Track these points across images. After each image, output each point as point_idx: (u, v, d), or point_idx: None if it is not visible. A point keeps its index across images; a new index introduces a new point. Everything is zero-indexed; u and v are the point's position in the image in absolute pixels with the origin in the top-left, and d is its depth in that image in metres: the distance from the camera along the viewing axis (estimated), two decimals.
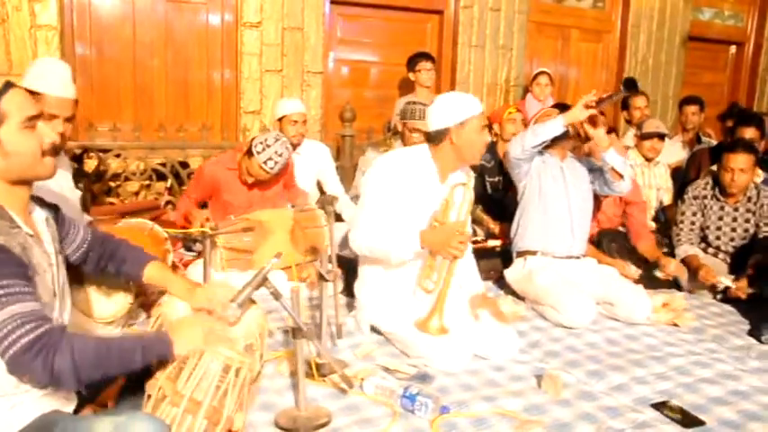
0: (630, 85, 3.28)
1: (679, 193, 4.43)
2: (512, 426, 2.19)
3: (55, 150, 1.68)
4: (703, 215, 3.96)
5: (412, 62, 5.15)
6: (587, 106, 3.18)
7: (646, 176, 4.63)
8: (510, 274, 3.57)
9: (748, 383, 2.63)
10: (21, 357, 1.43)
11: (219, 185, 3.57)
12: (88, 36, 4.62)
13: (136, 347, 1.60)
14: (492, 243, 4.05)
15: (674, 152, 5.35)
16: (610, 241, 3.84)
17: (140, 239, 2.64)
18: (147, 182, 4.53)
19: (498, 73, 6.16)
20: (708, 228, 3.96)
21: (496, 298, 3.29)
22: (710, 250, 3.97)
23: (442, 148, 2.81)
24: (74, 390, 1.58)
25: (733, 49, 8.02)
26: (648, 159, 4.61)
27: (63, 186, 2.82)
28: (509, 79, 6.21)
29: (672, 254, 3.98)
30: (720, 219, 3.92)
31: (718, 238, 3.95)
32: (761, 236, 3.81)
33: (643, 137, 4.58)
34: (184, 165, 4.63)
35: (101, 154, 4.38)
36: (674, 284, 3.89)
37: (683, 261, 3.87)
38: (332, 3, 5.40)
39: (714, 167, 4.08)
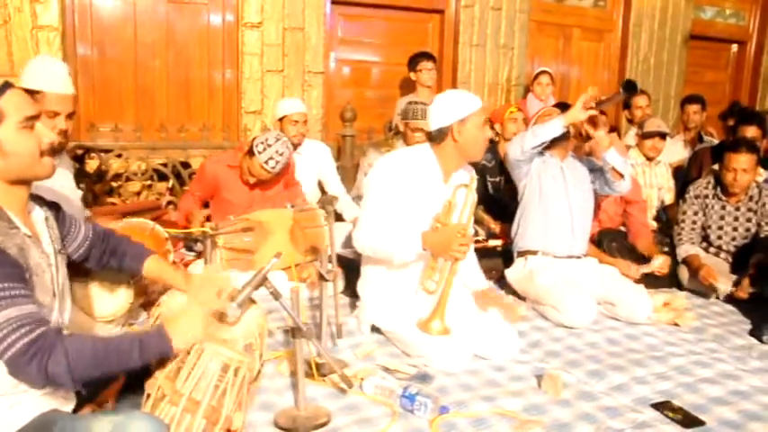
0: (630, 88, 3.27)
1: (680, 192, 4.42)
2: (511, 426, 2.19)
3: (54, 150, 1.69)
4: (705, 214, 3.95)
5: (413, 62, 5.15)
6: (587, 107, 3.18)
7: (647, 176, 4.62)
8: (511, 273, 3.57)
9: (749, 383, 2.62)
10: (17, 361, 1.45)
11: (220, 184, 3.57)
12: (90, 37, 4.63)
13: (133, 344, 1.60)
14: (493, 243, 4.04)
15: (676, 151, 5.35)
16: (610, 241, 3.84)
17: (141, 239, 2.63)
18: (149, 182, 4.54)
19: (499, 72, 6.15)
20: (709, 227, 3.95)
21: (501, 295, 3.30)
22: (712, 250, 3.97)
23: (444, 146, 2.81)
24: (72, 389, 1.58)
25: (735, 47, 8.00)
26: (650, 159, 4.60)
27: (64, 186, 2.82)
28: (510, 79, 6.20)
29: (673, 253, 3.98)
30: (722, 218, 3.91)
31: (719, 237, 3.94)
32: (762, 235, 3.80)
33: (644, 136, 4.57)
34: (186, 165, 4.64)
35: (102, 154, 4.38)
36: (675, 284, 3.88)
37: (684, 261, 3.86)
38: (333, 3, 5.40)
39: (716, 167, 4.08)
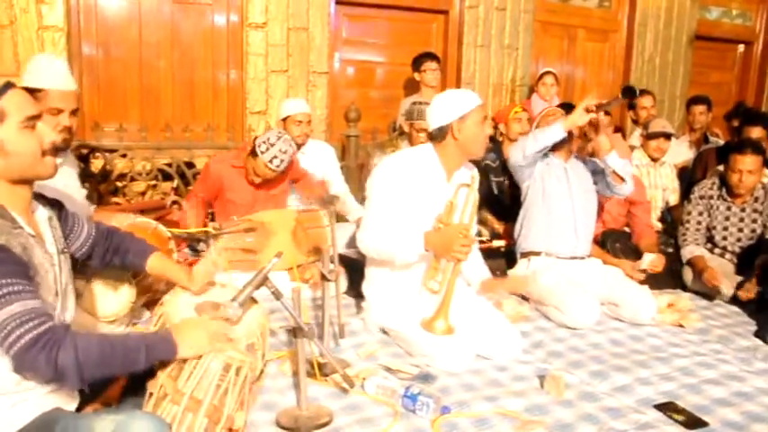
0: (629, 93, 3.26)
1: (685, 193, 4.41)
2: (513, 426, 2.18)
3: (58, 148, 1.69)
4: (710, 215, 3.94)
5: (417, 62, 5.15)
6: (588, 110, 3.17)
7: (652, 176, 4.61)
8: (514, 274, 3.56)
9: (753, 385, 2.61)
10: (24, 354, 1.44)
11: (224, 184, 3.58)
12: (95, 37, 4.65)
13: (140, 347, 1.61)
14: (497, 243, 4.04)
15: (681, 152, 5.33)
16: (614, 241, 3.83)
17: (144, 238, 2.66)
18: (154, 182, 4.55)
19: (504, 73, 6.15)
20: (714, 228, 3.94)
21: (500, 298, 3.29)
22: (717, 251, 3.95)
23: (445, 145, 2.82)
24: (78, 386, 1.58)
25: (741, 47, 7.97)
26: (654, 159, 4.59)
27: (69, 185, 2.83)
28: (515, 79, 6.20)
29: (677, 254, 3.97)
30: (727, 219, 3.90)
31: (724, 238, 3.92)
32: None
33: (649, 137, 4.56)
34: (190, 165, 4.65)
35: (107, 154, 4.40)
36: (680, 285, 3.87)
37: (689, 262, 3.85)
38: (337, 3, 5.41)
39: (721, 168, 4.06)
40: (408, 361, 2.64)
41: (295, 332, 2.12)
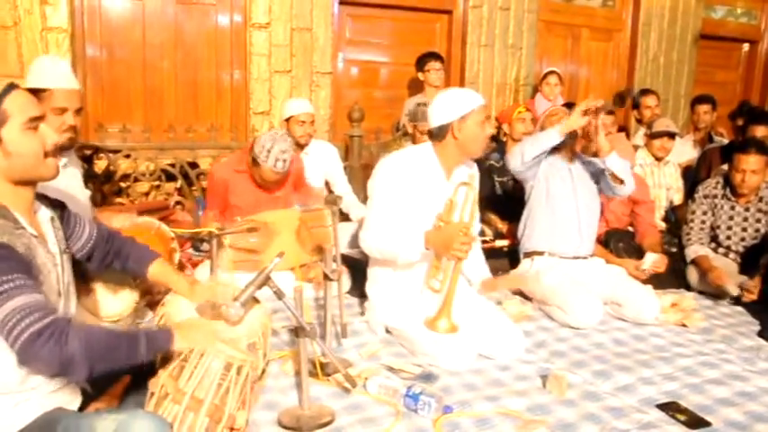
0: (619, 101, 3.25)
1: (689, 192, 4.40)
2: (515, 426, 2.18)
3: (62, 148, 1.70)
4: (714, 215, 3.92)
5: (421, 62, 5.15)
6: (585, 113, 3.17)
7: (656, 176, 4.60)
8: (515, 272, 3.56)
9: (756, 384, 2.60)
10: (32, 345, 1.44)
11: (228, 188, 3.57)
12: (98, 38, 4.66)
13: (140, 337, 1.63)
14: (500, 243, 4.04)
15: (685, 151, 5.32)
16: (617, 241, 3.82)
17: (147, 238, 2.66)
18: (157, 182, 4.56)
19: (508, 72, 6.14)
20: (718, 227, 3.92)
21: (503, 298, 3.30)
22: (721, 250, 3.94)
23: (445, 144, 2.82)
24: (85, 376, 1.56)
25: (746, 46, 7.93)
26: (658, 159, 4.58)
27: (72, 186, 2.84)
28: (518, 79, 6.19)
29: (682, 254, 3.96)
30: (731, 218, 3.89)
31: (728, 237, 3.91)
32: None
33: (653, 136, 4.55)
34: (194, 165, 4.66)
35: (111, 155, 4.41)
36: (684, 285, 3.86)
37: (694, 261, 3.84)
38: (341, 3, 5.40)
39: (725, 167, 4.05)
40: (411, 360, 2.64)
41: (297, 332, 2.12)
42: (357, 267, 3.43)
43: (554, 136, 3.21)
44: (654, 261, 3.59)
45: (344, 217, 4.04)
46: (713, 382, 2.59)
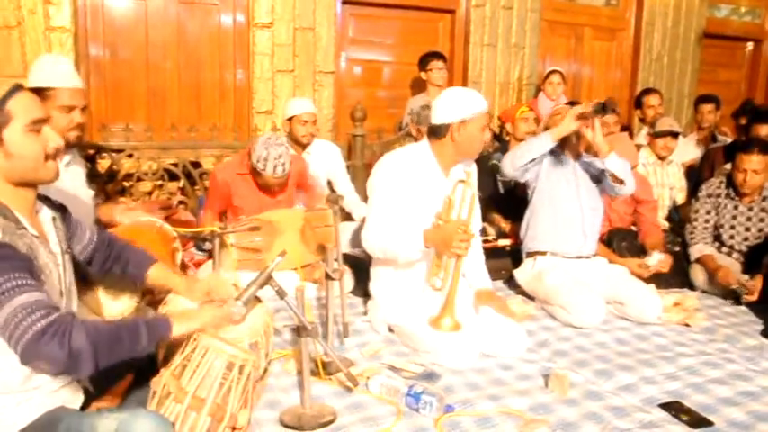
0: (602, 110, 3.22)
1: (693, 192, 4.39)
2: (516, 425, 2.18)
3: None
4: (717, 214, 3.91)
5: (423, 61, 5.15)
6: (578, 117, 3.17)
7: (659, 175, 4.59)
8: (520, 274, 3.56)
9: (759, 384, 2.59)
10: (36, 343, 1.43)
11: (231, 191, 3.57)
12: (101, 38, 4.67)
13: (140, 325, 1.64)
14: (503, 242, 4.04)
15: (689, 151, 5.30)
16: (620, 240, 3.81)
17: (149, 237, 2.67)
18: (160, 182, 4.56)
19: (511, 72, 6.13)
20: (722, 227, 3.92)
21: (506, 298, 3.29)
22: (724, 249, 3.93)
23: (443, 143, 2.84)
24: (90, 373, 1.56)
25: (750, 45, 7.91)
26: (661, 158, 4.57)
27: (76, 186, 2.85)
28: (521, 78, 6.18)
29: (685, 253, 3.95)
30: (734, 218, 3.88)
31: (731, 237, 3.90)
32: None
33: (656, 135, 4.55)
34: (196, 165, 4.66)
35: (113, 154, 4.42)
36: (687, 284, 3.85)
37: (699, 261, 3.83)
38: (343, 3, 5.40)
39: (728, 166, 4.04)
40: (413, 360, 2.64)
41: (299, 331, 2.12)
42: (360, 267, 3.43)
43: (546, 142, 3.22)
44: (660, 261, 3.59)
45: (347, 216, 4.04)
46: (716, 382, 2.59)
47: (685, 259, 3.94)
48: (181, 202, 4.42)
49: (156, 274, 2.09)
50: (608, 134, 4.64)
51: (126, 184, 4.46)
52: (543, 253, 3.47)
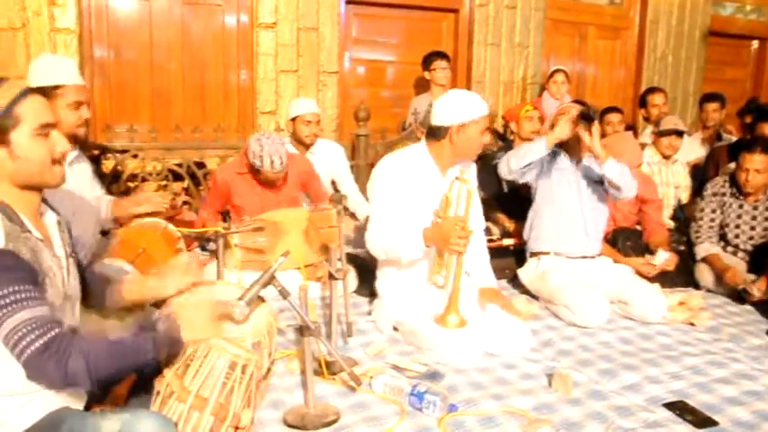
0: (584, 119, 3.22)
1: (698, 190, 4.37)
2: (520, 424, 2.17)
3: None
4: (722, 213, 3.90)
5: (427, 61, 5.15)
6: (573, 122, 3.16)
7: (663, 174, 4.57)
8: (523, 273, 3.56)
9: (764, 383, 2.58)
10: (35, 361, 1.46)
11: (231, 190, 3.59)
12: (106, 39, 4.69)
13: (147, 342, 1.63)
14: (506, 242, 4.03)
15: (693, 149, 5.29)
16: (625, 240, 3.79)
17: (153, 239, 2.68)
18: (164, 182, 4.58)
19: (515, 71, 6.13)
20: (727, 226, 3.90)
21: (510, 297, 3.29)
22: (729, 249, 3.91)
23: (441, 144, 2.86)
24: (90, 388, 1.59)
25: (755, 44, 7.89)
26: (666, 157, 4.56)
27: (81, 187, 2.85)
28: (526, 77, 6.18)
29: (690, 252, 3.94)
30: (739, 217, 3.86)
31: (736, 236, 3.88)
32: None
33: (660, 134, 4.53)
34: (200, 165, 4.68)
35: (118, 155, 4.43)
36: (692, 283, 3.84)
37: (705, 260, 3.82)
38: (347, 2, 5.41)
39: (732, 165, 4.02)
40: (416, 359, 2.64)
41: (302, 330, 2.13)
42: (364, 267, 3.43)
43: (541, 147, 3.23)
44: (666, 259, 3.58)
45: (351, 216, 4.05)
46: (721, 381, 2.57)
47: (690, 258, 3.93)
48: (185, 203, 4.43)
49: (129, 289, 1.97)
50: (613, 133, 4.65)
51: (130, 184, 4.48)
52: (547, 253, 3.47)
